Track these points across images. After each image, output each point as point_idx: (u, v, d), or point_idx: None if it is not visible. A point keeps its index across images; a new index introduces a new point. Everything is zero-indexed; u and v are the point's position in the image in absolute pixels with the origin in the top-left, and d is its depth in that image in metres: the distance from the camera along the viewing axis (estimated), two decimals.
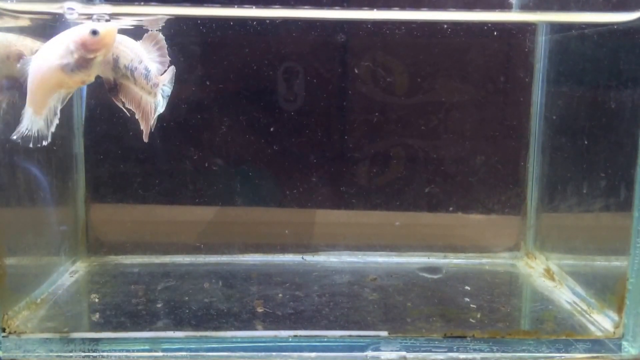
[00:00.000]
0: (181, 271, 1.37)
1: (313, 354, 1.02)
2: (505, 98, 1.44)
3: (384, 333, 1.05)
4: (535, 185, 1.45)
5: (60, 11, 1.03)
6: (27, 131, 0.95)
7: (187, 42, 1.37)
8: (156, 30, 1.00)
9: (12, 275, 1.07)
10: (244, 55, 1.38)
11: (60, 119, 1.31)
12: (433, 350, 1.03)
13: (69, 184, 1.38)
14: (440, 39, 1.39)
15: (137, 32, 1.00)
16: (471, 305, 1.19)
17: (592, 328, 1.11)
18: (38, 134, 0.96)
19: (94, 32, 0.91)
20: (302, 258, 1.44)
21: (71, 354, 1.01)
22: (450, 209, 1.46)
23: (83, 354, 1.01)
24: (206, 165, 1.42)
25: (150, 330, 1.06)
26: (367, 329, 1.07)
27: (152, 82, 0.99)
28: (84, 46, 0.91)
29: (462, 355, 1.03)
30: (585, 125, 1.24)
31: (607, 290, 1.12)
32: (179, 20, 1.33)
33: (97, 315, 1.12)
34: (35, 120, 0.95)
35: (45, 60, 0.92)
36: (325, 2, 1.22)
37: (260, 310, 1.14)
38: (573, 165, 1.30)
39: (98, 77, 0.98)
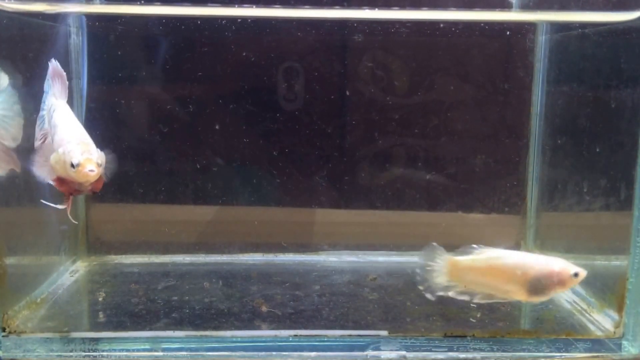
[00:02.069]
0: (181, 271, 1.37)
1: (313, 354, 1.02)
2: (505, 98, 1.44)
3: (384, 332, 1.05)
4: (535, 184, 1.45)
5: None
6: None
7: (186, 41, 1.37)
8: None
9: (12, 274, 1.07)
10: (244, 55, 1.38)
11: None
12: (433, 349, 1.03)
13: None
14: (440, 38, 1.39)
15: None
16: (471, 305, 1.19)
17: (592, 327, 1.11)
18: None
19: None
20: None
21: (71, 354, 1.01)
22: (450, 208, 1.46)
23: (83, 353, 1.01)
24: (206, 165, 1.42)
25: (151, 329, 1.06)
26: (367, 329, 1.07)
27: None
28: (560, 284, 0.96)
29: (462, 355, 1.03)
30: (585, 125, 1.24)
31: (607, 290, 1.12)
32: (178, 20, 1.33)
33: (97, 314, 1.12)
34: None
35: None
36: (325, 1, 1.22)
37: (265, 310, 1.14)
38: (573, 165, 1.30)
39: None
